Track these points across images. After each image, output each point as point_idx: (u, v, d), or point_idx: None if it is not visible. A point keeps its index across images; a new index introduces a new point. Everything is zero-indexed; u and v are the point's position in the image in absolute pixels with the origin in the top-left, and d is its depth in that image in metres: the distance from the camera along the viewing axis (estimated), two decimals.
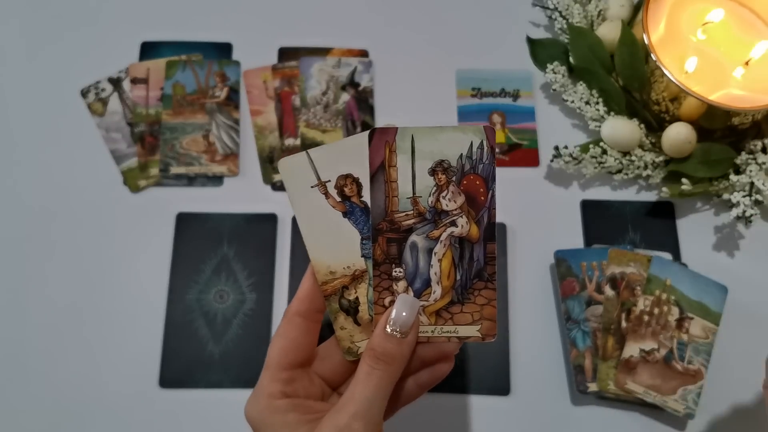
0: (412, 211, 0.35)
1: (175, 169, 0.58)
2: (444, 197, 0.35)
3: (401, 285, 0.35)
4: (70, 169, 0.58)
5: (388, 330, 0.33)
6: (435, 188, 0.35)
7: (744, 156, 0.56)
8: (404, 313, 0.34)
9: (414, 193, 0.35)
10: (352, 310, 0.36)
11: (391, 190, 0.35)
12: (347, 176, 0.35)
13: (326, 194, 0.35)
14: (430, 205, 0.35)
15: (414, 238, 0.35)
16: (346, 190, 0.35)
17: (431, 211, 0.35)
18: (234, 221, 0.56)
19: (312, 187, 0.35)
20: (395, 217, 0.35)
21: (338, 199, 0.35)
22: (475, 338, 0.36)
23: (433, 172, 0.35)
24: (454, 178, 0.35)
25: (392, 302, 0.35)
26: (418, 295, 0.35)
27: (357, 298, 0.36)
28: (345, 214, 0.35)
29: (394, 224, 0.35)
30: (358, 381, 0.33)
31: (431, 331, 0.36)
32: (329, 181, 0.35)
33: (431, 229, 0.35)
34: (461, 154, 0.35)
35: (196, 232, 0.56)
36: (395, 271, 0.35)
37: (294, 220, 0.56)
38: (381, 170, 0.35)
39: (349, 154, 0.35)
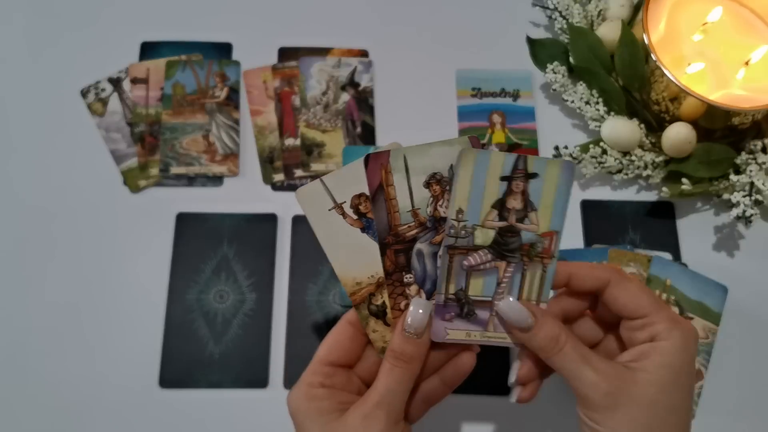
0: (413, 223, 0.37)
1: (175, 169, 0.58)
2: (440, 206, 0.37)
3: (413, 289, 0.38)
4: (70, 169, 0.58)
5: (405, 332, 0.36)
6: (432, 199, 0.37)
7: (744, 156, 0.56)
8: (418, 315, 0.36)
9: (413, 206, 0.37)
10: (380, 313, 0.38)
11: (392, 207, 0.37)
12: (360, 195, 0.37)
13: (343, 214, 0.37)
14: (429, 214, 0.37)
15: (419, 245, 0.38)
16: (361, 207, 0.37)
17: (431, 220, 0.38)
18: (234, 221, 0.56)
19: (329, 210, 0.37)
20: (399, 230, 0.37)
21: (355, 217, 0.37)
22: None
23: (427, 184, 0.37)
24: (447, 188, 0.37)
25: (407, 305, 0.37)
26: (429, 295, 0.38)
27: (384, 302, 0.38)
28: (363, 230, 0.38)
29: (399, 236, 0.38)
30: (381, 376, 0.36)
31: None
32: (344, 202, 0.37)
33: (433, 235, 0.38)
34: (451, 164, 0.37)
35: (196, 232, 0.56)
36: (406, 278, 0.38)
37: (294, 220, 0.56)
38: (380, 190, 0.37)
39: (359, 176, 0.37)
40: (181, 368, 0.51)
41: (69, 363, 0.52)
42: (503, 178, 0.36)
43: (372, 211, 0.37)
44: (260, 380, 0.51)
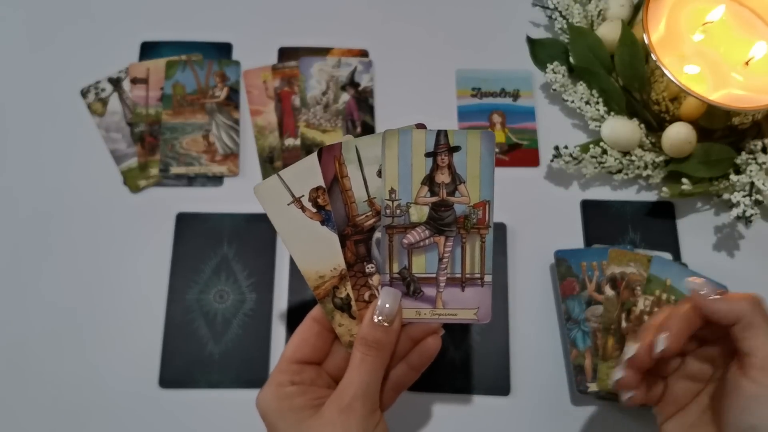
0: (370, 212, 0.38)
1: (175, 169, 0.58)
2: None
3: (376, 279, 0.38)
4: (70, 169, 0.58)
5: (376, 319, 0.36)
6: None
7: (744, 156, 0.56)
8: (388, 304, 0.36)
9: (369, 195, 0.38)
10: (345, 306, 0.38)
11: (348, 198, 0.38)
12: (318, 188, 0.38)
13: (302, 208, 0.38)
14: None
15: (377, 234, 0.38)
16: (319, 200, 0.38)
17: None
18: (234, 221, 0.56)
19: (288, 204, 0.38)
20: (357, 221, 0.38)
21: (314, 210, 0.38)
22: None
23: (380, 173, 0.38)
24: None
25: (371, 296, 0.38)
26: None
27: (348, 294, 0.38)
28: (323, 223, 0.38)
29: (357, 227, 0.38)
30: (353, 367, 0.36)
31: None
32: (303, 196, 0.38)
33: None
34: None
35: (196, 232, 0.56)
36: (367, 268, 0.38)
37: None
38: (335, 182, 0.38)
39: (315, 169, 0.38)
40: (181, 368, 0.51)
41: (69, 363, 0.52)
42: (428, 154, 0.37)
43: (329, 204, 0.38)
44: (260, 380, 0.51)
